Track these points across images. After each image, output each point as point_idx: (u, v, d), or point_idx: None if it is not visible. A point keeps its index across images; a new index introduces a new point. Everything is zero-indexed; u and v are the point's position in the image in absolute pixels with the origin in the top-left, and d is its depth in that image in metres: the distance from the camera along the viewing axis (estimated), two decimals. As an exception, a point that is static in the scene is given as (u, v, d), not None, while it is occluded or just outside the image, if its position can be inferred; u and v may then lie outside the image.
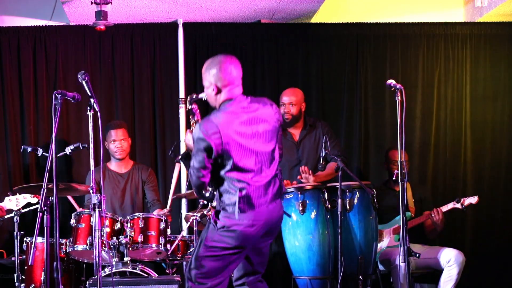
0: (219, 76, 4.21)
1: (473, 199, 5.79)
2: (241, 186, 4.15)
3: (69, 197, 5.99)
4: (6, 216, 5.45)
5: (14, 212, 5.35)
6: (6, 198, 5.34)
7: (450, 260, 5.64)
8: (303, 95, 6.11)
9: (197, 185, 4.21)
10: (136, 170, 6.24)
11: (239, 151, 4.14)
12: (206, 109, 4.65)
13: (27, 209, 5.45)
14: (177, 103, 6.75)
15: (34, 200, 5.33)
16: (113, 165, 6.24)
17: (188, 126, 6.71)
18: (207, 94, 4.28)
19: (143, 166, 6.34)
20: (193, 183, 4.21)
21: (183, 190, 6.56)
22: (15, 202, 5.31)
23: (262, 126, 4.20)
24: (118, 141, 6.13)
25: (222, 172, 4.17)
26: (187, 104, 4.39)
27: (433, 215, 5.83)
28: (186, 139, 4.41)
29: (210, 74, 4.21)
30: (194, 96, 4.37)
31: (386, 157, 6.22)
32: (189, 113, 4.43)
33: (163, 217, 5.57)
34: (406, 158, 6.15)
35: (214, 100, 4.26)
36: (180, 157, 4.52)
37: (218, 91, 4.21)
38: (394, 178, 6.00)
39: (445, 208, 5.85)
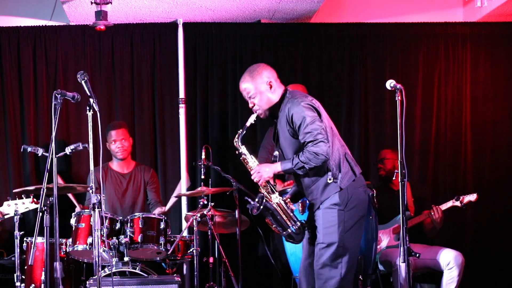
0: (270, 74, 4.61)
1: (472, 197, 5.79)
2: (344, 150, 4.55)
3: (69, 194, 5.99)
4: (6, 217, 5.44)
5: (14, 212, 5.34)
6: (5, 203, 5.32)
7: (450, 263, 5.64)
8: None
9: (327, 152, 4.37)
10: (138, 171, 6.24)
11: (326, 119, 4.54)
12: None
13: (26, 209, 5.44)
14: (177, 103, 6.75)
15: (33, 206, 5.31)
16: (115, 165, 6.24)
17: (192, 128, 6.78)
18: (263, 97, 4.55)
19: (145, 166, 6.33)
20: (324, 152, 4.34)
21: (183, 190, 6.56)
22: (14, 207, 5.30)
23: None
24: (119, 141, 6.12)
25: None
26: (239, 145, 4.63)
27: (432, 213, 5.83)
28: (262, 171, 4.52)
29: (262, 76, 4.58)
30: (240, 131, 4.64)
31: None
32: (241, 154, 4.66)
33: (163, 217, 5.57)
34: (394, 157, 6.16)
35: (270, 99, 4.56)
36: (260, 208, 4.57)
37: (272, 86, 4.56)
38: (394, 178, 6.03)
39: (444, 206, 5.84)
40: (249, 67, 4.69)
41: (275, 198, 4.56)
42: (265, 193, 4.54)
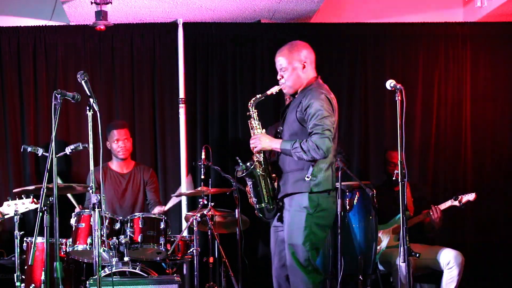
0: (308, 55, 4.64)
1: (471, 196, 5.78)
2: (333, 160, 4.52)
3: (68, 195, 5.98)
4: (6, 217, 5.44)
5: (14, 212, 5.34)
6: (5, 203, 5.32)
7: (449, 262, 5.64)
8: None
9: (328, 150, 4.37)
10: (137, 171, 6.24)
11: (336, 123, 4.54)
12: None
13: (26, 209, 5.44)
14: (177, 103, 6.76)
15: (33, 206, 5.31)
16: (114, 165, 6.24)
17: (192, 128, 6.78)
18: (293, 74, 4.57)
19: (145, 166, 6.33)
20: (325, 149, 4.34)
21: (183, 189, 6.56)
22: (14, 207, 5.30)
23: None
24: (121, 141, 6.13)
25: None
26: (251, 109, 4.61)
27: (431, 213, 5.83)
28: (262, 140, 4.55)
29: (300, 53, 4.61)
30: (259, 96, 4.62)
31: (384, 158, 6.22)
32: (250, 117, 4.66)
33: (163, 217, 5.56)
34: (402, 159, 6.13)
35: (300, 78, 4.58)
36: (246, 172, 4.58)
37: (305, 67, 4.59)
38: (394, 178, 6.02)
39: (443, 206, 5.84)
40: (292, 41, 4.74)
41: (263, 171, 4.57)
42: (256, 162, 4.55)
